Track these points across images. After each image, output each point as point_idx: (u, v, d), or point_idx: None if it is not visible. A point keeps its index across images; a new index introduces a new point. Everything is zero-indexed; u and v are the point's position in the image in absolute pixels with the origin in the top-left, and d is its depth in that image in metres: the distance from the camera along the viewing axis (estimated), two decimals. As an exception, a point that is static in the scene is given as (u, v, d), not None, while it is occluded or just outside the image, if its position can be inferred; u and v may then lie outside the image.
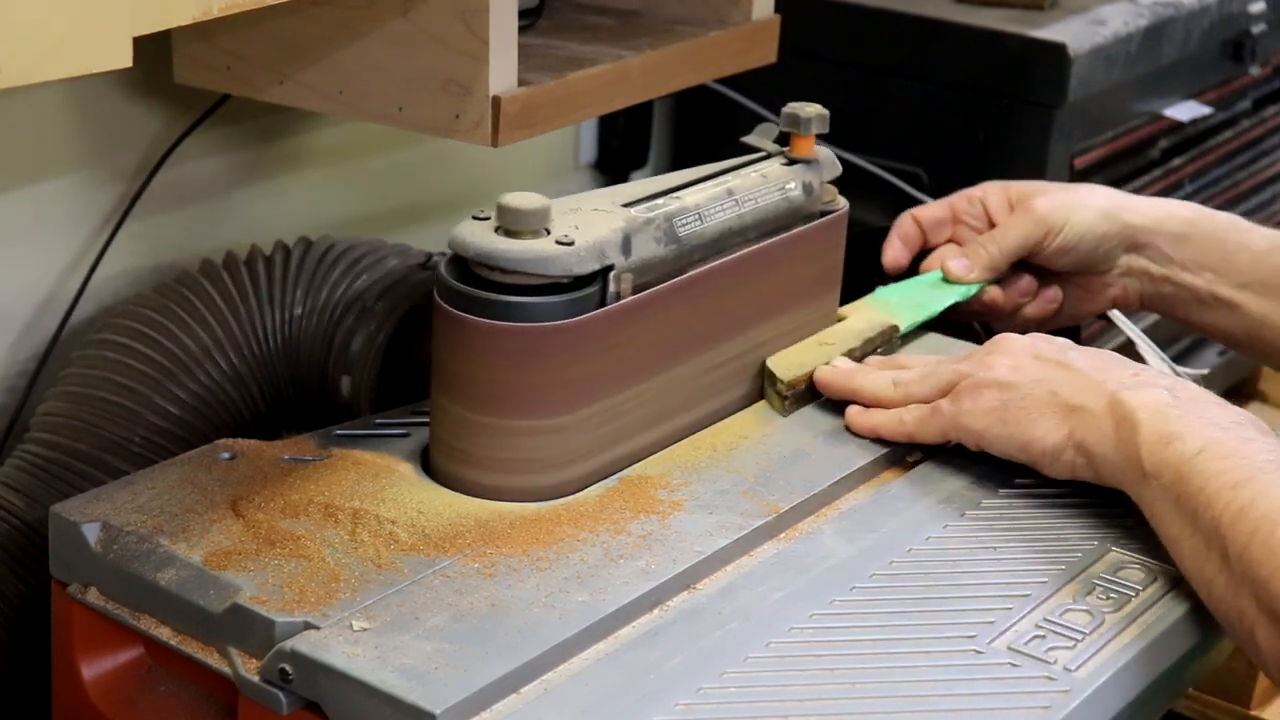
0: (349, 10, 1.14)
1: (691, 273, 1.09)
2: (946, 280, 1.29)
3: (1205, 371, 1.43)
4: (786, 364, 1.17)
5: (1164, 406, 1.00)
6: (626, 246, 1.04)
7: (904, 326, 1.25)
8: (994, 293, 1.30)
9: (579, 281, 1.02)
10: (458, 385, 1.03)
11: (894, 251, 1.33)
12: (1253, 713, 1.32)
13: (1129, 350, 1.31)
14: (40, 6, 0.74)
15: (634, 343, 1.06)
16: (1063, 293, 1.33)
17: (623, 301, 1.04)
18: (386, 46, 1.14)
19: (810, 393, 1.17)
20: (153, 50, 1.15)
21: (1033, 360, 1.08)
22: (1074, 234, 1.29)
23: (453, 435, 1.04)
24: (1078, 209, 1.29)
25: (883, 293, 1.30)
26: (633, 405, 1.07)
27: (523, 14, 1.17)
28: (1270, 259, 1.29)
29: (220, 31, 1.19)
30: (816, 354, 1.19)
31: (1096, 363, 1.07)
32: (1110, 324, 1.40)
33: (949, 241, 1.33)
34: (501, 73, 1.12)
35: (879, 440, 1.12)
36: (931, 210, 1.34)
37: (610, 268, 1.03)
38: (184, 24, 0.85)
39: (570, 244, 1.01)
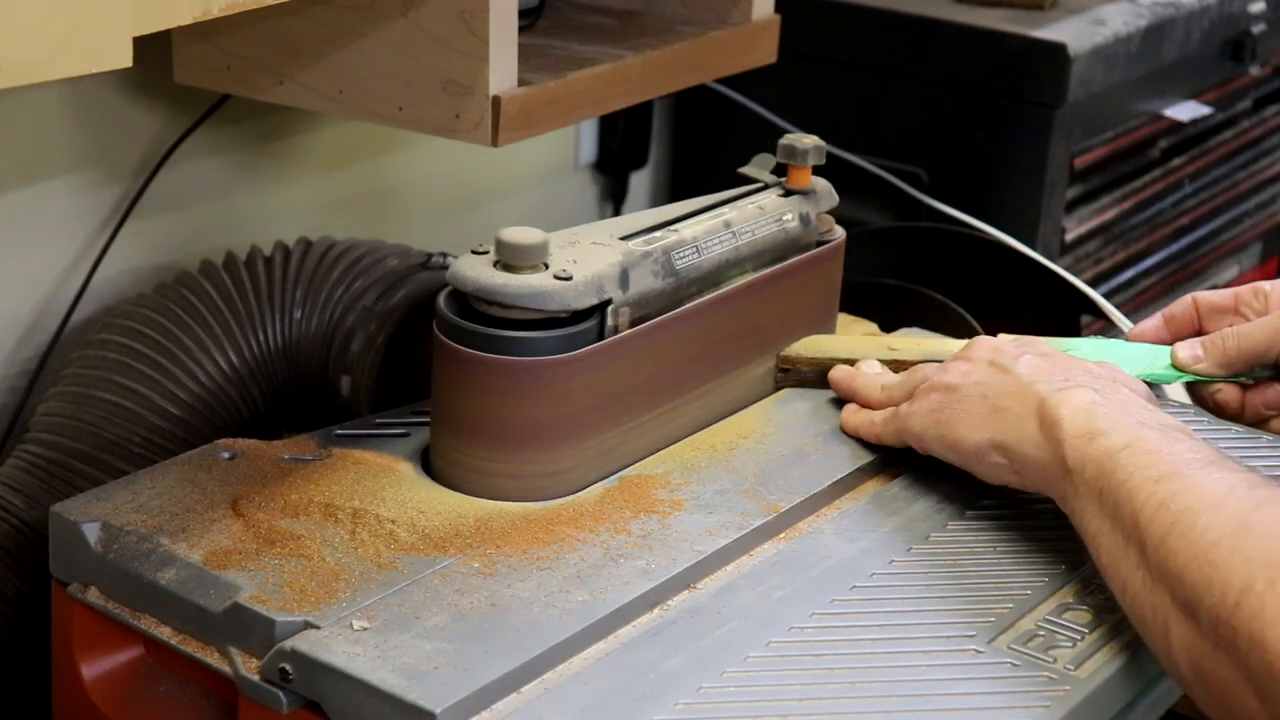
0: (349, 10, 1.14)
1: (689, 305, 1.09)
2: (1174, 365, 1.15)
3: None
4: (806, 344, 1.18)
5: (1090, 405, 0.98)
6: (624, 280, 1.04)
7: None
8: (1229, 393, 1.15)
9: (577, 316, 1.02)
10: (457, 419, 1.03)
11: (1149, 326, 1.19)
12: (1253, 713, 1.32)
13: None
14: (41, 6, 0.74)
15: (632, 376, 1.06)
16: None
17: (620, 335, 1.04)
18: (386, 46, 1.14)
19: (822, 381, 1.17)
20: (153, 50, 1.15)
21: (985, 365, 1.06)
22: None
23: (450, 467, 1.04)
24: None
25: (1073, 343, 1.17)
26: (631, 436, 1.08)
27: (523, 14, 1.17)
28: None
29: (220, 32, 1.19)
30: (849, 348, 1.18)
31: (1039, 367, 1.04)
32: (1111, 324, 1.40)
33: None
34: (501, 73, 1.12)
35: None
36: (1215, 297, 1.19)
37: (608, 302, 1.03)
38: (184, 24, 0.85)
39: (568, 279, 1.01)
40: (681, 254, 1.09)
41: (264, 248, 1.29)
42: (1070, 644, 0.94)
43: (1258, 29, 1.85)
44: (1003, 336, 1.11)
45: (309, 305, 1.24)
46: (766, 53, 1.38)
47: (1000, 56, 1.61)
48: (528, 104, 1.14)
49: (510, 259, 1.01)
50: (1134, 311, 1.76)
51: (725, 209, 1.14)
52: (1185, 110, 1.79)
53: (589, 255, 1.04)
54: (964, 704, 0.88)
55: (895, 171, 1.66)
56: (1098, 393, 0.99)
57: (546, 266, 1.01)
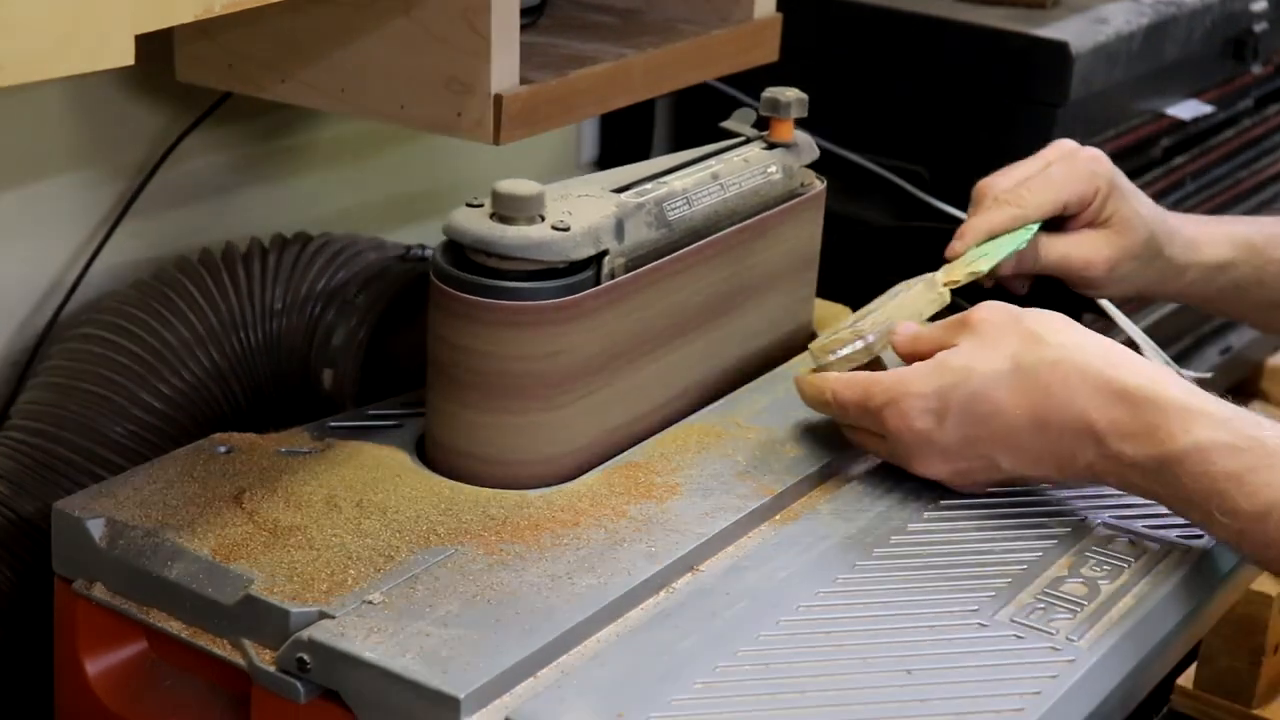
0: (351, 8, 1.14)
1: (682, 251, 1.11)
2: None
3: (1209, 374, 1.43)
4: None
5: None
6: (620, 231, 1.05)
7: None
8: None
9: (574, 266, 1.03)
10: (458, 371, 1.03)
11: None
12: (1253, 712, 1.32)
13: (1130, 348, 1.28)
14: (43, 4, 0.74)
15: (627, 322, 1.07)
16: None
17: (617, 280, 1.05)
18: (388, 44, 1.14)
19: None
20: (154, 48, 1.15)
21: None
22: None
23: (451, 430, 1.04)
24: None
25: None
26: (627, 386, 1.08)
27: (524, 12, 1.17)
28: None
29: (222, 29, 1.19)
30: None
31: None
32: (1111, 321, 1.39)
33: None
34: (503, 71, 1.12)
35: None
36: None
37: (605, 253, 1.04)
38: (186, 22, 0.85)
39: (566, 229, 1.02)
40: (673, 205, 1.10)
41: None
42: (1070, 615, 0.96)
43: (1260, 28, 1.85)
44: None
45: (289, 301, 1.24)
46: (768, 51, 1.38)
47: (1002, 55, 1.61)
48: (529, 102, 1.14)
49: (507, 210, 1.01)
50: (1135, 310, 1.75)
51: (712, 161, 1.16)
52: (1187, 109, 1.78)
53: (584, 207, 1.05)
54: (974, 676, 0.90)
55: (897, 170, 1.66)
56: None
57: (543, 218, 1.02)
